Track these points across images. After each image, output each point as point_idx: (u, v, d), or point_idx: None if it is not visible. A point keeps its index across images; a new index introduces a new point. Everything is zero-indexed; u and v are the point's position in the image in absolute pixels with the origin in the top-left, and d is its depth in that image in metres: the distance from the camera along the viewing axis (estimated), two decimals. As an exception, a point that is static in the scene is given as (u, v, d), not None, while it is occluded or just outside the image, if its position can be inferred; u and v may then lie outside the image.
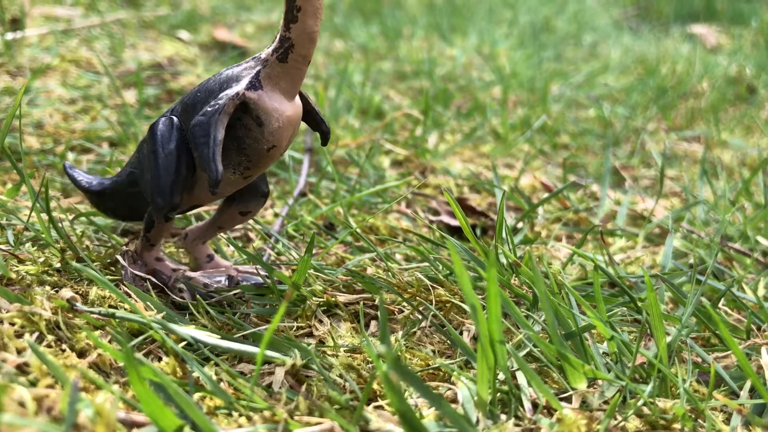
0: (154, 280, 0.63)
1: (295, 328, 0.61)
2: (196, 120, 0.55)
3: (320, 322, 0.62)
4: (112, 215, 0.70)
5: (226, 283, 0.64)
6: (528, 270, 0.63)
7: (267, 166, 0.59)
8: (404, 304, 0.65)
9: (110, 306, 0.58)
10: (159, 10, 1.91)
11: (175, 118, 0.59)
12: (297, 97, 0.58)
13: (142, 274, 0.63)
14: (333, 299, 0.64)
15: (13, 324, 0.51)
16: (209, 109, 0.55)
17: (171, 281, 0.64)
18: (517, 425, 0.49)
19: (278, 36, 0.55)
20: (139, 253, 0.64)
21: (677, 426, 0.50)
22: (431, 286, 0.66)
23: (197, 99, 0.57)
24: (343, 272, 0.68)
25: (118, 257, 0.64)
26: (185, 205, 0.63)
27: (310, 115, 0.61)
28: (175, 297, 0.63)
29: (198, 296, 0.61)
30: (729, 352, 0.62)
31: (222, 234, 0.73)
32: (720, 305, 0.73)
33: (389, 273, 0.68)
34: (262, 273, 0.66)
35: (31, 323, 0.52)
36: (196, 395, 0.48)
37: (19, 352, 0.48)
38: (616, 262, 0.81)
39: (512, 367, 0.54)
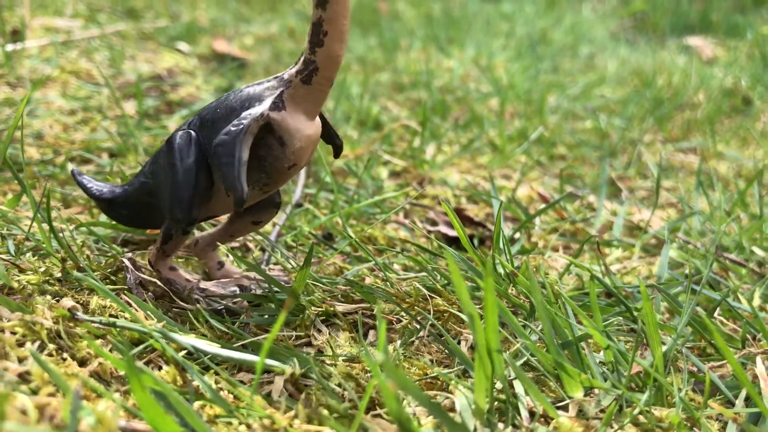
0: (158, 284, 0.63)
1: (294, 338, 0.62)
2: (220, 139, 0.55)
3: (319, 331, 0.63)
4: (124, 222, 0.69)
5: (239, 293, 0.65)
6: (525, 280, 0.64)
7: (285, 181, 0.60)
8: (402, 313, 0.66)
9: (111, 315, 0.58)
10: (158, 22, 1.93)
11: (193, 132, 0.58)
12: (317, 117, 0.59)
13: (149, 278, 0.63)
14: (332, 309, 0.65)
15: (14, 333, 0.52)
16: (233, 128, 0.54)
17: (186, 292, 0.64)
18: (514, 434, 0.50)
19: (302, 58, 0.56)
20: (153, 262, 0.64)
21: (673, 434, 0.50)
22: (429, 295, 0.67)
23: (217, 115, 0.57)
24: (341, 282, 0.69)
25: (125, 260, 0.65)
26: (202, 216, 0.63)
27: (325, 129, 0.62)
28: (187, 307, 0.63)
29: (199, 306, 0.61)
30: (724, 362, 0.63)
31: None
32: (715, 315, 0.73)
33: (387, 283, 0.69)
34: (283, 278, 0.68)
35: (32, 332, 0.52)
36: (197, 403, 0.49)
37: (21, 360, 0.49)
38: (613, 272, 0.81)
39: (509, 376, 0.55)
